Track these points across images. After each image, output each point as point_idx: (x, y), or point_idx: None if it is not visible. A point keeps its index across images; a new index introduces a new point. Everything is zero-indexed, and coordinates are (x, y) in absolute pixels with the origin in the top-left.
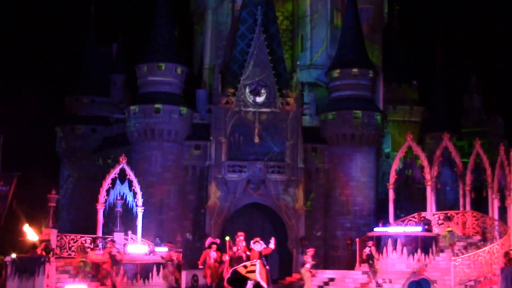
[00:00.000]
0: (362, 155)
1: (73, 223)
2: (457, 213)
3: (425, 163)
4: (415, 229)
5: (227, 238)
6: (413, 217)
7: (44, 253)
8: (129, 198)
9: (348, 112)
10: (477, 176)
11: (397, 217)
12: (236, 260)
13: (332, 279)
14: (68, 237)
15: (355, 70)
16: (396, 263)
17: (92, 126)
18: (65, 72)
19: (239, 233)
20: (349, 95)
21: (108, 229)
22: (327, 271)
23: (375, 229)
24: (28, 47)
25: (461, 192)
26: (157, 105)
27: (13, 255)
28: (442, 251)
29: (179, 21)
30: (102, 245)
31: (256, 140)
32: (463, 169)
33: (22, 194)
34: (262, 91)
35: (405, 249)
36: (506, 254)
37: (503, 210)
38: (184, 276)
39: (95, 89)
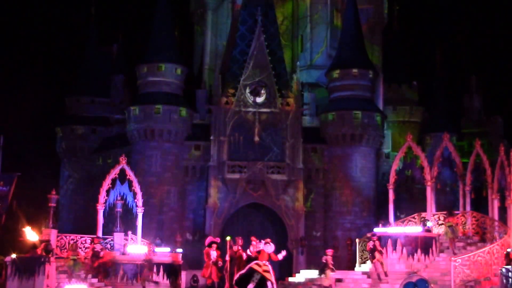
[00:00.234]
0: (362, 156)
1: (73, 223)
2: (457, 213)
3: (425, 163)
4: (415, 230)
5: (228, 238)
6: (413, 217)
7: (44, 253)
8: (129, 198)
9: (348, 112)
10: (477, 176)
11: (396, 217)
12: (236, 259)
13: (339, 280)
14: (68, 237)
15: (355, 70)
16: (396, 264)
17: (92, 127)
18: (66, 73)
19: (252, 238)
20: (349, 95)
21: (108, 229)
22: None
23: (375, 229)
24: (29, 48)
25: (461, 192)
26: (157, 106)
27: (13, 255)
28: (442, 251)
29: (179, 22)
30: (102, 245)
31: (256, 140)
32: (463, 170)
33: (22, 194)
34: (262, 91)
35: (405, 250)
36: (507, 254)
37: (503, 211)
38: (184, 276)
39: (95, 90)
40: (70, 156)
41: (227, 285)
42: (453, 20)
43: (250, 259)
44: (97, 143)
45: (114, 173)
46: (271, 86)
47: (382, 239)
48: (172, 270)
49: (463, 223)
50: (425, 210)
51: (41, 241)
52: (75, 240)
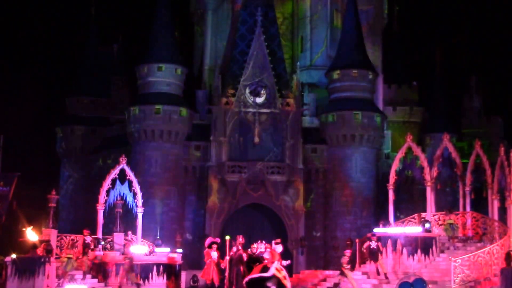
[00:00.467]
0: (362, 156)
1: (73, 223)
2: (457, 214)
3: (425, 163)
4: (415, 230)
5: (227, 237)
6: (413, 218)
7: (45, 253)
8: (129, 198)
9: (348, 113)
10: (477, 177)
11: (396, 218)
12: (236, 260)
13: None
14: (68, 237)
15: (355, 71)
16: (397, 264)
17: (92, 127)
18: (66, 73)
19: (259, 242)
20: (349, 96)
21: (108, 230)
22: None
23: (375, 229)
24: (29, 48)
25: (461, 192)
26: (157, 106)
27: (13, 256)
28: (442, 251)
29: (179, 22)
30: (103, 245)
31: (256, 140)
32: (463, 170)
33: (22, 194)
34: (262, 91)
35: (405, 250)
36: (507, 255)
37: (503, 211)
38: (184, 277)
39: (95, 90)
40: (70, 156)
41: (227, 285)
42: (453, 20)
43: (251, 259)
44: (97, 143)
45: (114, 173)
46: (271, 86)
47: (382, 240)
48: (169, 271)
49: (463, 223)
50: (425, 211)
51: (41, 241)
52: (75, 240)
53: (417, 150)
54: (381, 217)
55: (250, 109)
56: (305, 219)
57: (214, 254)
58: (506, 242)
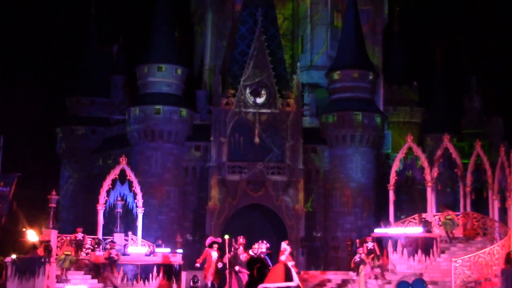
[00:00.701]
0: (362, 156)
1: (73, 224)
2: (457, 215)
3: (426, 164)
4: (416, 230)
5: (226, 236)
6: (414, 218)
7: (45, 254)
8: (129, 199)
9: (348, 113)
10: (477, 177)
11: (397, 218)
12: (232, 259)
13: (347, 281)
14: (68, 238)
15: (355, 71)
16: (397, 264)
17: (92, 127)
18: (66, 73)
19: (260, 242)
20: (349, 96)
21: (108, 230)
22: (336, 272)
23: (375, 230)
24: (29, 48)
25: (461, 193)
26: (157, 106)
27: (14, 256)
28: (443, 252)
29: (179, 22)
30: (103, 246)
31: (256, 141)
32: (464, 170)
33: (23, 195)
34: (262, 92)
35: (405, 250)
36: (508, 255)
37: (503, 211)
38: (184, 277)
39: (95, 90)
40: (70, 156)
41: (227, 286)
42: (453, 20)
43: (252, 260)
44: (97, 144)
45: (114, 173)
46: (271, 86)
47: (383, 240)
48: (166, 271)
49: (463, 224)
50: (425, 211)
51: (41, 242)
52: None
53: (417, 151)
54: (381, 218)
55: (251, 110)
56: (306, 220)
57: (214, 254)
58: (507, 243)
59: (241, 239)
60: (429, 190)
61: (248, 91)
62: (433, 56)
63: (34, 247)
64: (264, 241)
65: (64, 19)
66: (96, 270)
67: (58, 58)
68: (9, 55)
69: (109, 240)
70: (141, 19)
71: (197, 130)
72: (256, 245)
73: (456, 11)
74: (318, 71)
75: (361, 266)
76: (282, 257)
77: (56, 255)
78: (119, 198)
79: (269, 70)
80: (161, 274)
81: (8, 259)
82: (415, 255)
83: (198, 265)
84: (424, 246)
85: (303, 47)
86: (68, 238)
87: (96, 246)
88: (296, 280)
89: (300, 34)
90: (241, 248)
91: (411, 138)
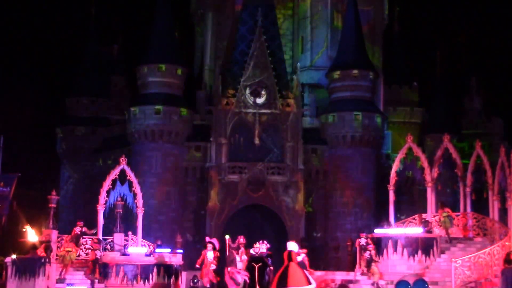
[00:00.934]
0: (362, 157)
1: (73, 224)
2: (457, 215)
3: (426, 164)
4: (416, 231)
5: (227, 236)
6: (414, 218)
7: (45, 254)
8: (129, 199)
9: (348, 113)
10: (477, 177)
11: (397, 218)
12: (227, 260)
13: (350, 281)
14: (69, 236)
15: (355, 71)
16: (397, 265)
17: (92, 127)
18: (66, 73)
19: (261, 242)
20: (350, 96)
21: (109, 230)
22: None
23: (376, 230)
24: (29, 48)
25: (461, 193)
26: (157, 106)
27: (14, 256)
28: (443, 252)
29: (179, 22)
30: (103, 246)
31: (256, 141)
32: (464, 171)
33: (23, 195)
34: (262, 92)
35: (405, 251)
36: (507, 255)
37: (503, 212)
38: (184, 277)
39: (95, 90)
40: (70, 156)
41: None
42: (454, 21)
43: (253, 259)
44: (97, 144)
45: (114, 174)
46: (271, 87)
47: (383, 241)
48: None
49: (464, 224)
50: (425, 212)
51: (41, 242)
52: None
53: (417, 151)
54: (381, 218)
55: (251, 110)
56: (306, 220)
57: (210, 255)
58: (507, 243)
59: (241, 239)
60: (429, 190)
61: (248, 91)
62: (433, 56)
63: (34, 247)
64: (265, 241)
65: (64, 19)
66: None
67: (58, 58)
68: (9, 55)
69: (109, 240)
70: (141, 19)
71: (197, 130)
72: (257, 245)
73: (456, 12)
74: (318, 71)
75: (373, 263)
76: (299, 258)
77: (57, 255)
78: (119, 199)
79: (269, 70)
80: (160, 274)
81: (8, 259)
82: (415, 255)
83: (198, 266)
84: (424, 246)
85: (303, 47)
86: (69, 236)
87: (96, 246)
88: (313, 282)
89: (300, 34)
90: (242, 248)
91: (411, 139)
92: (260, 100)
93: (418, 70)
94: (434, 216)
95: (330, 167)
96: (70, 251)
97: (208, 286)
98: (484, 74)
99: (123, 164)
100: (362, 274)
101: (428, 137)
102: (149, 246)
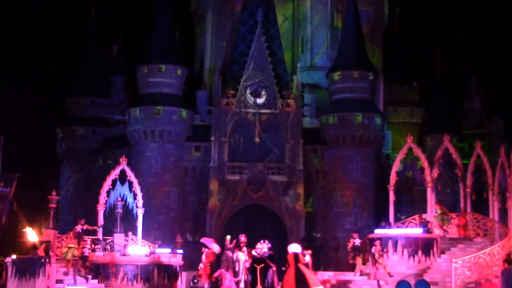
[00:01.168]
0: (362, 157)
1: (73, 224)
2: (457, 215)
3: (426, 164)
4: (416, 231)
5: (228, 236)
6: (414, 219)
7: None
8: (130, 199)
9: (348, 114)
10: (477, 177)
11: (397, 219)
12: (222, 258)
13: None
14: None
15: (355, 72)
16: (397, 265)
17: (92, 127)
18: (65, 73)
19: (262, 241)
20: (349, 97)
21: (109, 231)
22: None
23: (376, 230)
24: (28, 48)
25: (461, 193)
26: (157, 107)
27: (14, 256)
28: (443, 252)
29: (179, 23)
30: (102, 246)
31: (257, 141)
32: (464, 171)
33: (23, 195)
34: (263, 92)
35: (405, 251)
36: (508, 256)
37: (503, 212)
38: (184, 277)
39: (95, 91)
40: (70, 157)
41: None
42: (453, 21)
43: (255, 260)
44: (98, 144)
45: (115, 174)
46: (271, 87)
47: (383, 241)
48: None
49: (464, 224)
50: (425, 212)
51: (41, 242)
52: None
53: (417, 151)
54: (381, 218)
55: (251, 110)
56: (306, 220)
57: (205, 255)
58: (507, 243)
59: (242, 238)
60: (429, 190)
61: (248, 91)
62: (433, 56)
63: (34, 247)
64: (266, 241)
65: (64, 19)
66: (96, 271)
67: (58, 59)
68: (9, 55)
69: (109, 240)
70: (141, 19)
71: (197, 130)
72: (259, 245)
73: (456, 12)
74: (318, 71)
75: (381, 259)
76: (307, 258)
77: (57, 254)
78: (119, 199)
79: (269, 71)
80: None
81: (8, 259)
82: (415, 255)
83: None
84: (424, 246)
85: (303, 48)
86: (72, 232)
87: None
88: (320, 285)
89: (300, 34)
90: (245, 247)
91: (411, 139)
92: (260, 100)
93: (418, 70)
94: (434, 216)
95: (330, 167)
96: (72, 247)
97: (206, 287)
98: (484, 74)
99: (123, 164)
100: (361, 274)
101: (428, 137)
102: (149, 246)
